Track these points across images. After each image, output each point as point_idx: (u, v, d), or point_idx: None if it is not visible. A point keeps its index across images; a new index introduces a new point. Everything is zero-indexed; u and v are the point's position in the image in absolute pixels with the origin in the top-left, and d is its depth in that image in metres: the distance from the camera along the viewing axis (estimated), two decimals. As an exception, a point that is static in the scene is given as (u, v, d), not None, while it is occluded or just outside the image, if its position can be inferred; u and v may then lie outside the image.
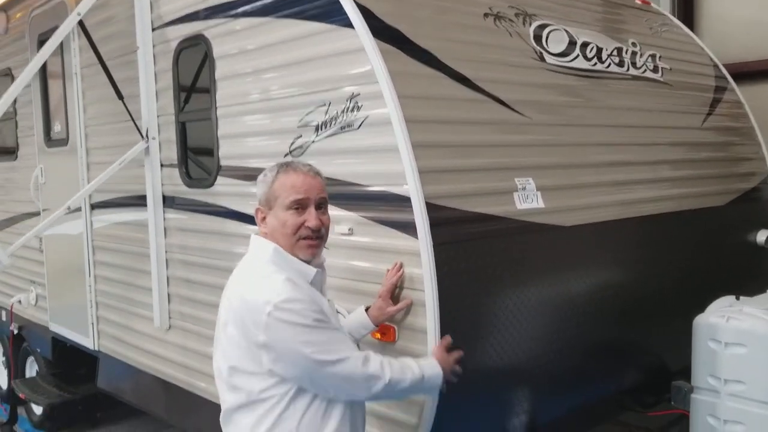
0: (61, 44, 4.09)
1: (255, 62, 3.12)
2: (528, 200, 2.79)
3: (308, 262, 2.12)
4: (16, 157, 5.50)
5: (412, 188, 2.42)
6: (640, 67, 3.75)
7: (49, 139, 4.96)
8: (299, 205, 2.08)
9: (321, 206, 2.14)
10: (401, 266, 2.50)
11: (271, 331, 1.93)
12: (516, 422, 2.86)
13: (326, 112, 2.74)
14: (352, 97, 2.63)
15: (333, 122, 2.72)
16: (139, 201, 3.96)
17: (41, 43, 4.63)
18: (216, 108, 3.37)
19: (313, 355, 1.94)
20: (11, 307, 5.38)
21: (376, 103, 2.54)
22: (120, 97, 3.83)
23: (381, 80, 2.50)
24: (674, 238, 3.49)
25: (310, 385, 2.00)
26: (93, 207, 4.47)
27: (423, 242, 2.40)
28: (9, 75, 5.32)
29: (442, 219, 2.46)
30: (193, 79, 3.58)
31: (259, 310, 1.94)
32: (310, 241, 2.10)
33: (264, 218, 2.14)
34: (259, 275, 2.04)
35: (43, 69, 4.61)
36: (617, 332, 3.25)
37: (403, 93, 2.50)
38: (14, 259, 4.29)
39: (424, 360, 2.25)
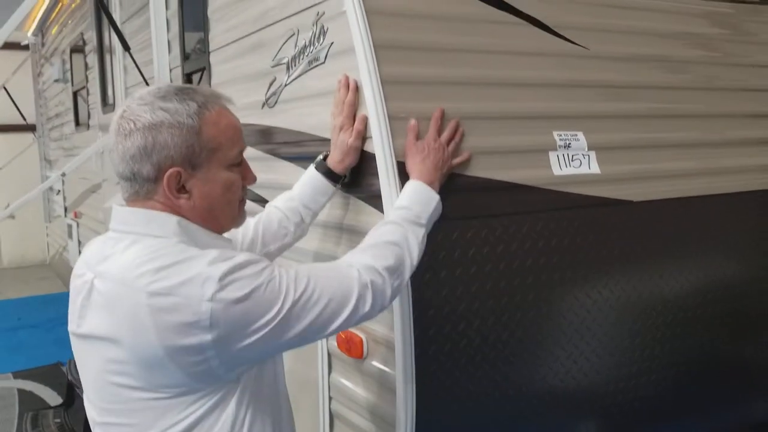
0: None
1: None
2: (573, 163, 1.95)
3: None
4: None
5: (377, 141, 1.68)
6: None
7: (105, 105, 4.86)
8: (241, 159, 1.41)
9: None
10: (347, 80, 1.77)
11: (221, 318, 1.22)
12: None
13: (295, 44, 2.06)
14: (318, 18, 1.91)
15: (302, 56, 2.02)
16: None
17: None
18: (209, 53, 2.78)
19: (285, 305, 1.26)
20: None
21: (340, 24, 1.80)
22: (126, 48, 3.35)
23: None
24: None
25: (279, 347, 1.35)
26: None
27: (391, 219, 1.67)
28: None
29: (424, 187, 1.71)
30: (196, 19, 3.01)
31: (191, 298, 1.21)
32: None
33: (183, 186, 1.33)
34: (171, 259, 1.26)
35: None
36: (722, 348, 2.34)
37: (375, 6, 1.74)
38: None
39: (405, 199, 1.61)
